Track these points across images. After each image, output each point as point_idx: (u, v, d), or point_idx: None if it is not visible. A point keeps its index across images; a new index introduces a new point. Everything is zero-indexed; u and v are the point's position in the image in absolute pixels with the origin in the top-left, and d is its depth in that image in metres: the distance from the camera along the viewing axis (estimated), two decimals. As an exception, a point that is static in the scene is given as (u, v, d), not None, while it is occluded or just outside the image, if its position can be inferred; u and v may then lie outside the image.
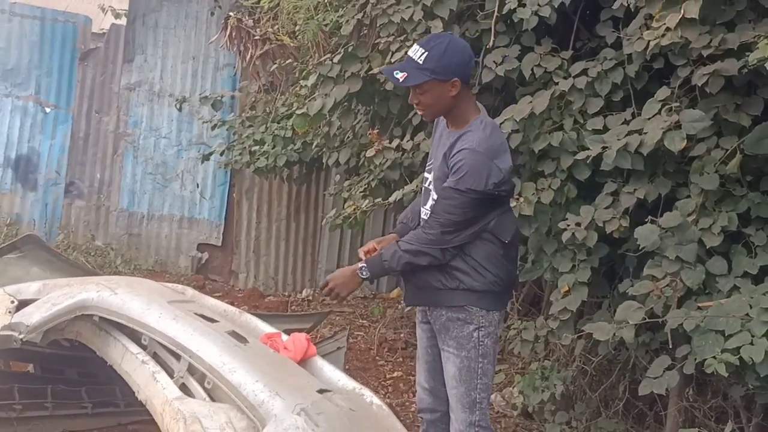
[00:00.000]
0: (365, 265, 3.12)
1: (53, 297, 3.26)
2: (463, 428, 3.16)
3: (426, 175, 3.26)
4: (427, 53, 2.99)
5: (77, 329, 3.29)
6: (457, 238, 3.01)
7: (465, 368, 3.11)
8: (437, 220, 3.02)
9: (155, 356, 3.03)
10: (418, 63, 3.00)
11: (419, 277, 3.14)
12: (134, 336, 3.12)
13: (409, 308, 6.55)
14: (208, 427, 2.50)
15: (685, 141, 3.42)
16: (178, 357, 2.94)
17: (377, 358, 6.12)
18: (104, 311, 3.16)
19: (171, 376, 2.90)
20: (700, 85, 3.48)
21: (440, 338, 3.19)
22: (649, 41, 3.54)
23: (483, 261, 3.07)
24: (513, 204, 3.69)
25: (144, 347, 3.06)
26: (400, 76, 3.03)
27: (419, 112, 3.26)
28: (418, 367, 3.45)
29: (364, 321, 7.05)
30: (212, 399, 2.77)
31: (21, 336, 3.07)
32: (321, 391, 2.75)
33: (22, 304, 3.28)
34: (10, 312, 3.17)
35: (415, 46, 3.07)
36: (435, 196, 3.10)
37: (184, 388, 2.84)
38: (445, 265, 3.06)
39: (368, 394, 2.98)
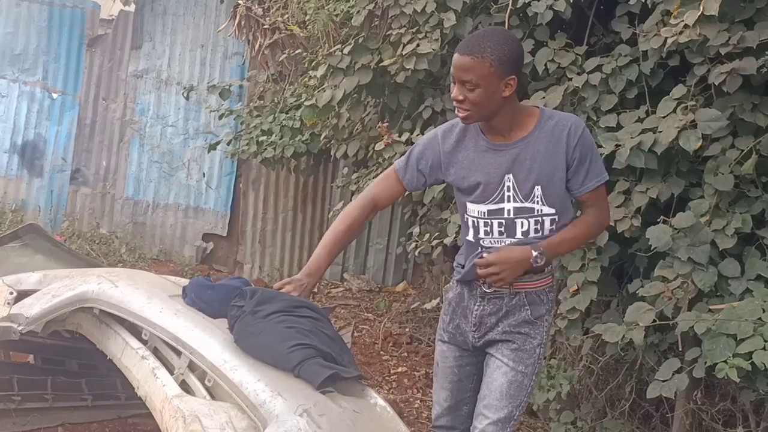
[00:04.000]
0: (542, 252, 2.66)
1: (53, 288, 3.21)
2: None
3: (498, 206, 2.75)
4: None
5: (78, 321, 3.24)
6: None
7: (516, 383, 2.81)
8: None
9: (156, 351, 2.96)
10: None
11: None
12: (135, 330, 3.06)
13: (415, 305, 6.51)
14: (208, 427, 2.44)
15: (701, 141, 3.35)
16: (178, 353, 2.88)
17: (382, 352, 6.08)
18: (105, 304, 3.10)
19: (171, 372, 2.84)
20: (717, 83, 3.42)
21: (494, 347, 2.88)
22: (666, 38, 3.47)
23: None
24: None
25: (144, 342, 3.00)
26: None
27: (460, 114, 2.70)
28: (437, 385, 3.11)
29: (370, 315, 7.02)
30: (213, 397, 2.71)
31: (20, 328, 3.02)
32: (324, 392, 2.69)
33: (22, 294, 3.23)
34: (9, 303, 3.12)
35: None
36: (546, 211, 2.72)
37: (184, 385, 2.77)
38: None
39: (372, 395, 2.90)
